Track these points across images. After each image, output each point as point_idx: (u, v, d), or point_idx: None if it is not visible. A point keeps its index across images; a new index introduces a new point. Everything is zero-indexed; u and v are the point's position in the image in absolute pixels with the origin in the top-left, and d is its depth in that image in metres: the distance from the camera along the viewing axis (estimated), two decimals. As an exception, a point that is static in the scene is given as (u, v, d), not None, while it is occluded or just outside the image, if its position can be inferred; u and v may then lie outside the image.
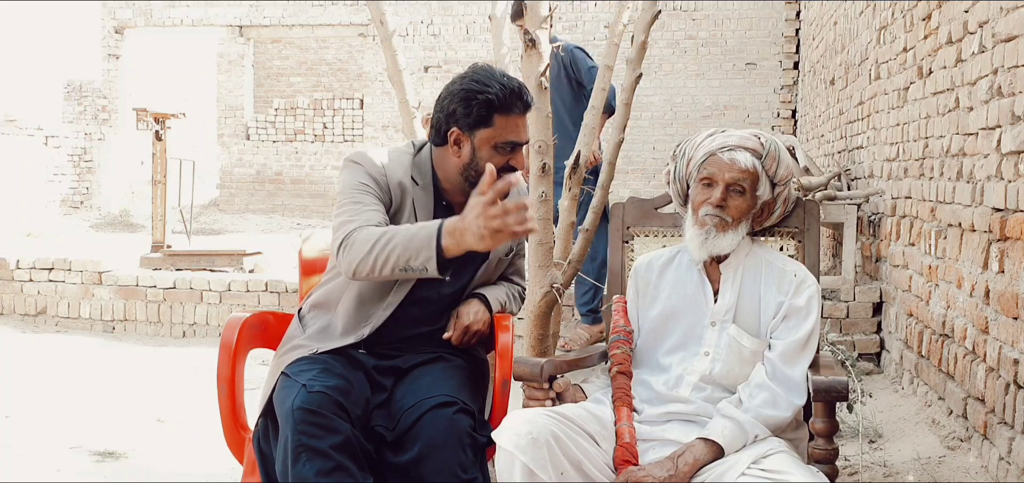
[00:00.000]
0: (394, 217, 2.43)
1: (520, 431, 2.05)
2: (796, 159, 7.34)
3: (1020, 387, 3.13)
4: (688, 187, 2.45)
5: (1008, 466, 3.20)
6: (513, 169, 2.42)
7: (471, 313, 2.51)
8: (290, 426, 2.12)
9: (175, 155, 8.94)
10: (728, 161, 2.34)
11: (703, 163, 2.38)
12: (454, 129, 2.39)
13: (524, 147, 2.45)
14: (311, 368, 2.28)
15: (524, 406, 2.30)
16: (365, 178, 2.41)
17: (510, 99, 2.36)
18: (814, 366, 2.43)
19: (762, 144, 2.37)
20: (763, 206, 2.42)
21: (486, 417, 2.50)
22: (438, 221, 2.23)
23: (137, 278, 7.06)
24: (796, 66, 12.31)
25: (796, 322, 2.32)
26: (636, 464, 2.16)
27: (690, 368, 2.34)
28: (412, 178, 2.46)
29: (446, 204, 2.50)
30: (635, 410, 2.33)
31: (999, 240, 3.35)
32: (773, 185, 2.41)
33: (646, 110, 12.63)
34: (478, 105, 2.35)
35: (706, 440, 2.15)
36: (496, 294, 2.59)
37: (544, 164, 3.43)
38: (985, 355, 3.50)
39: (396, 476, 2.21)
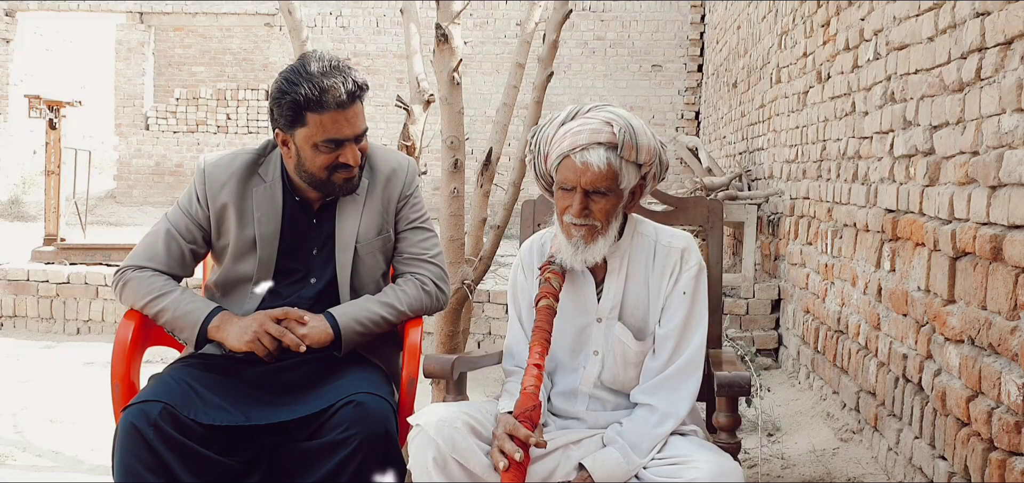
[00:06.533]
0: (220, 228, 2.42)
1: (432, 419, 2.06)
2: (699, 160, 7.52)
3: (908, 381, 3.27)
4: (552, 181, 2.26)
5: (896, 456, 3.34)
6: (348, 166, 2.32)
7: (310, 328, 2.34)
8: (119, 440, 2.09)
9: (70, 144, 8.60)
10: (581, 165, 2.13)
11: (557, 166, 2.18)
12: (277, 130, 2.33)
13: (360, 140, 2.33)
14: (175, 375, 2.25)
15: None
16: (190, 203, 2.43)
17: (321, 96, 2.23)
18: (716, 363, 2.49)
19: (615, 134, 2.14)
20: (632, 191, 2.24)
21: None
22: (210, 308, 2.35)
23: (28, 272, 6.76)
24: (700, 69, 12.59)
25: (685, 329, 2.23)
26: (533, 428, 2.04)
27: (583, 377, 2.30)
28: (259, 176, 2.42)
29: (299, 200, 2.43)
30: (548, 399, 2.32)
31: (891, 240, 3.49)
32: (639, 166, 2.21)
33: (555, 108, 12.54)
34: (287, 105, 2.26)
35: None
36: (355, 315, 2.38)
37: (456, 160, 3.43)
38: (877, 350, 3.64)
39: (300, 461, 2.17)
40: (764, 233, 6.03)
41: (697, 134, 12.22)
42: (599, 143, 2.14)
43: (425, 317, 2.54)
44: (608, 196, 2.16)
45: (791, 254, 5.25)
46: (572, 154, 2.15)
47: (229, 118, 14.67)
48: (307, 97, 2.23)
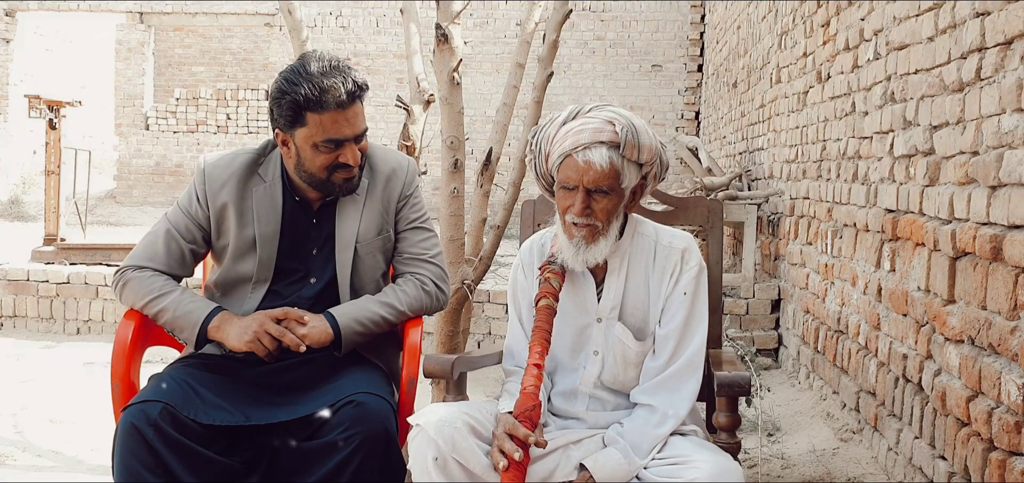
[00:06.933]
0: (220, 228, 2.42)
1: (432, 418, 2.06)
2: (699, 160, 7.52)
3: (908, 381, 3.27)
4: (553, 181, 2.26)
5: (896, 456, 3.34)
6: (348, 166, 2.33)
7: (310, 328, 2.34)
8: (119, 440, 2.09)
9: (70, 144, 8.61)
10: (583, 164, 2.13)
11: (559, 166, 2.18)
12: (277, 130, 2.33)
13: (360, 140, 2.33)
14: (175, 375, 2.25)
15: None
16: (190, 202, 2.43)
17: (321, 96, 2.23)
18: (716, 363, 2.49)
19: (618, 133, 2.14)
20: (634, 190, 2.24)
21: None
22: (210, 308, 2.35)
23: (28, 272, 6.76)
24: (700, 69, 12.59)
25: (686, 329, 2.23)
26: (533, 428, 2.04)
27: (583, 377, 2.30)
28: (259, 176, 2.42)
29: (299, 200, 2.43)
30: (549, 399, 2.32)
31: (891, 240, 3.49)
32: (640, 166, 2.21)
33: (555, 109, 12.56)
34: (287, 106, 2.26)
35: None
36: (355, 315, 2.37)
37: (456, 160, 3.43)
38: (877, 350, 3.64)
39: (300, 461, 2.18)
40: (764, 233, 6.04)
41: (697, 134, 12.22)
42: (601, 142, 2.14)
43: (425, 317, 2.54)
44: (610, 195, 2.16)
45: (791, 254, 5.25)
46: (574, 153, 2.14)
47: (229, 118, 14.67)
48: (307, 97, 2.24)
